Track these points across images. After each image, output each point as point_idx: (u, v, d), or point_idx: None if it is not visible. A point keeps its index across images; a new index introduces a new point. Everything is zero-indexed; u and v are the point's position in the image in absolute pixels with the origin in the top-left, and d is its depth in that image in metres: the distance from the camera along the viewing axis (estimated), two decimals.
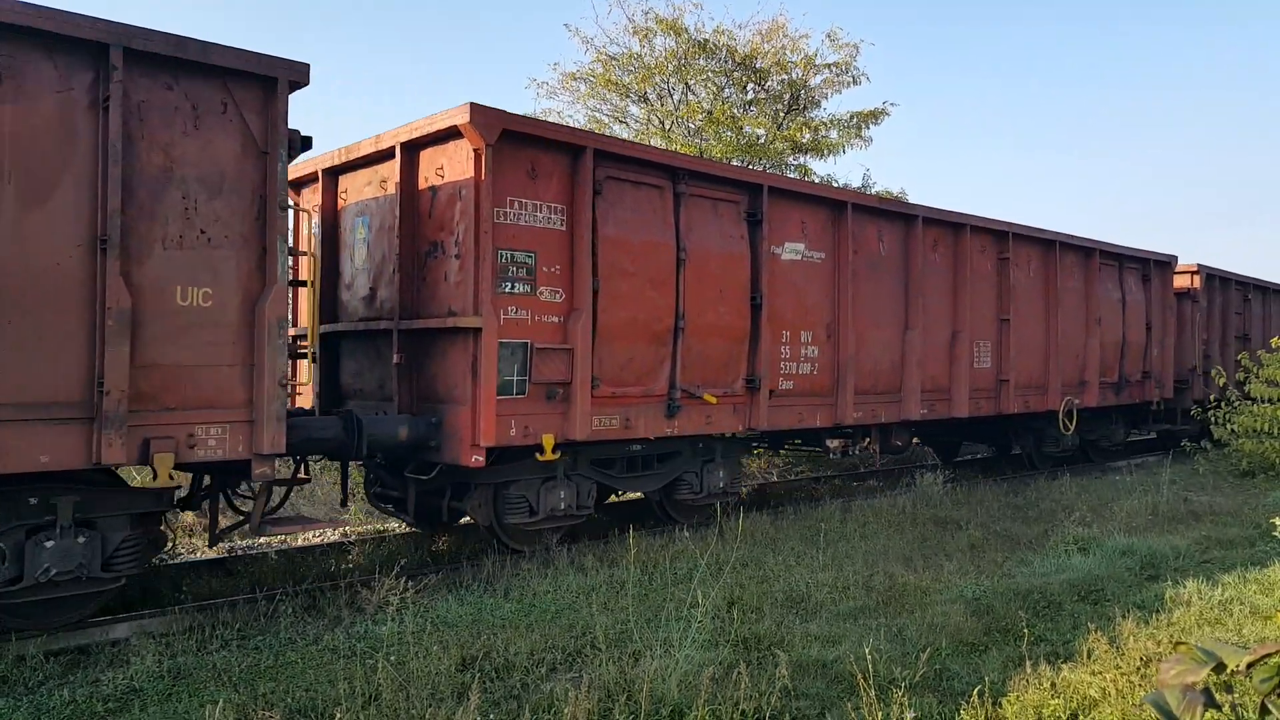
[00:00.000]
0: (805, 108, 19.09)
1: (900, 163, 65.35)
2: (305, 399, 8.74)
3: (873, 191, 18.93)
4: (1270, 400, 13.63)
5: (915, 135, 68.46)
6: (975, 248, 12.07)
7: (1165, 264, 16.25)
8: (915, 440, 13.66)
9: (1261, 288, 19.91)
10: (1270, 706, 1.20)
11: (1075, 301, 13.89)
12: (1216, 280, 18.00)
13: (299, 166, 8.75)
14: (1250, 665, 1.32)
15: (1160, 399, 15.78)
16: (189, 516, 9.98)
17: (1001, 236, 12.59)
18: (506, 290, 7.47)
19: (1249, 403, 14.14)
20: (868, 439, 11.18)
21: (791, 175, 17.54)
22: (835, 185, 10.27)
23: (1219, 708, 1.26)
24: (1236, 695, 1.32)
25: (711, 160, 9.85)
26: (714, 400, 8.89)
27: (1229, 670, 1.31)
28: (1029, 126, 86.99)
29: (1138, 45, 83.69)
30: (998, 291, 12.53)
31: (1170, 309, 16.15)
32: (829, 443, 11.09)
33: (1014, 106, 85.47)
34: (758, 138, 18.57)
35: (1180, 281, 17.03)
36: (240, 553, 8.53)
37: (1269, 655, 1.31)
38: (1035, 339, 13.10)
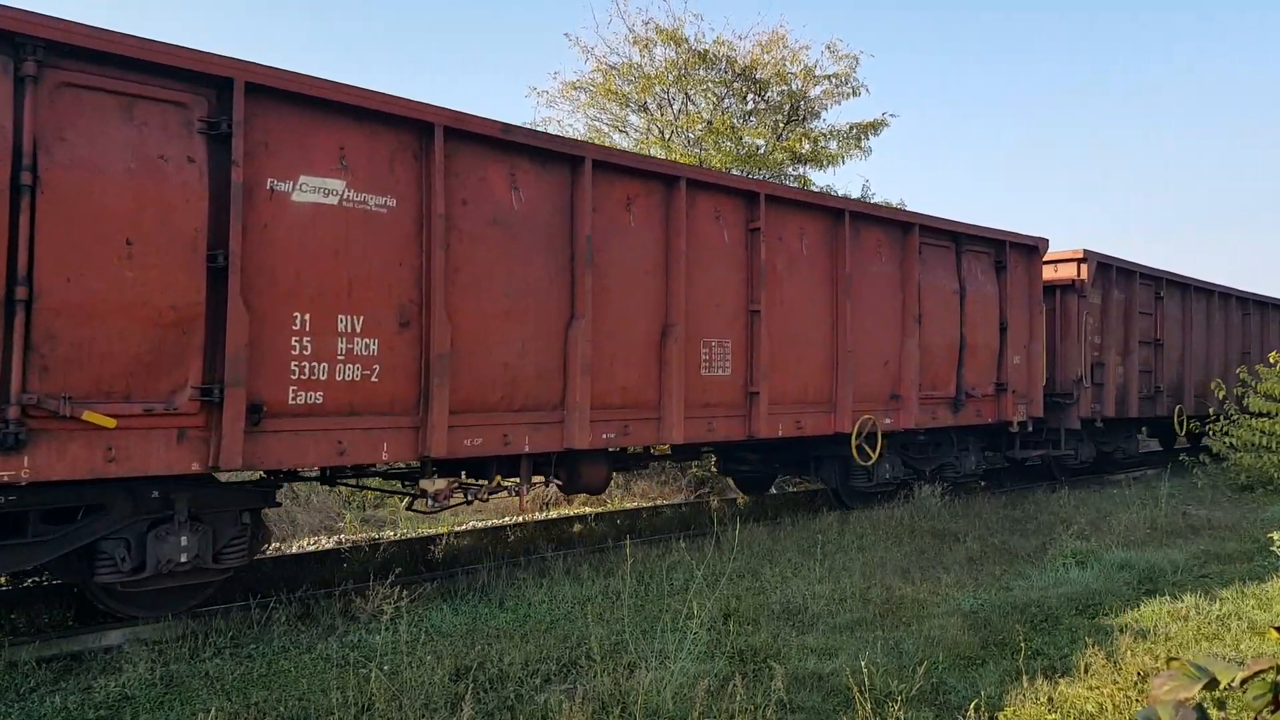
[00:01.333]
0: (805, 118, 19.13)
1: (901, 173, 65.50)
2: None
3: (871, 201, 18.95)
4: (1269, 414, 13.62)
5: (916, 145, 68.64)
6: (703, 213, 8.97)
7: (1029, 249, 13.09)
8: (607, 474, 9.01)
9: (1179, 284, 16.80)
10: None
11: (882, 292, 10.83)
12: (1114, 272, 14.91)
13: None
14: (1244, 681, 1.31)
15: (1027, 418, 12.91)
16: None
17: (750, 199, 9.38)
18: None
19: (1247, 416, 14.13)
20: (502, 477, 7.80)
21: (792, 185, 17.54)
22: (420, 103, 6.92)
23: None
24: (1230, 711, 1.31)
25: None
26: (109, 423, 5.48)
27: (1222, 686, 1.30)
28: (1030, 133, 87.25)
29: (1140, 49, 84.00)
30: (746, 274, 9.34)
31: (1038, 306, 13.11)
32: (424, 485, 7.45)
33: (1015, 115, 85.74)
34: (757, 148, 18.61)
35: (1064, 272, 14.28)
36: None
37: (1263, 671, 1.30)
38: (810, 338, 9.96)
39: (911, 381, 11.00)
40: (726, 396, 9.18)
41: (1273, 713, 1.26)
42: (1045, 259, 14.02)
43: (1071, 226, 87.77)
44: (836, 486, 11.46)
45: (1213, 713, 1.31)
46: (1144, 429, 18.28)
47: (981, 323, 12.20)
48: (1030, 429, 13.11)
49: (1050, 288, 14.07)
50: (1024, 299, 13.00)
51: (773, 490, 14.12)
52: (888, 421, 10.74)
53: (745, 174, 16.77)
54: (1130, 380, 15.21)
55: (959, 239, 11.97)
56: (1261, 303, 20.07)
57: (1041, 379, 13.14)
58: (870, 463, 10.61)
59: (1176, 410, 16.29)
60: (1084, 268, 14.23)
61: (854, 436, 10.35)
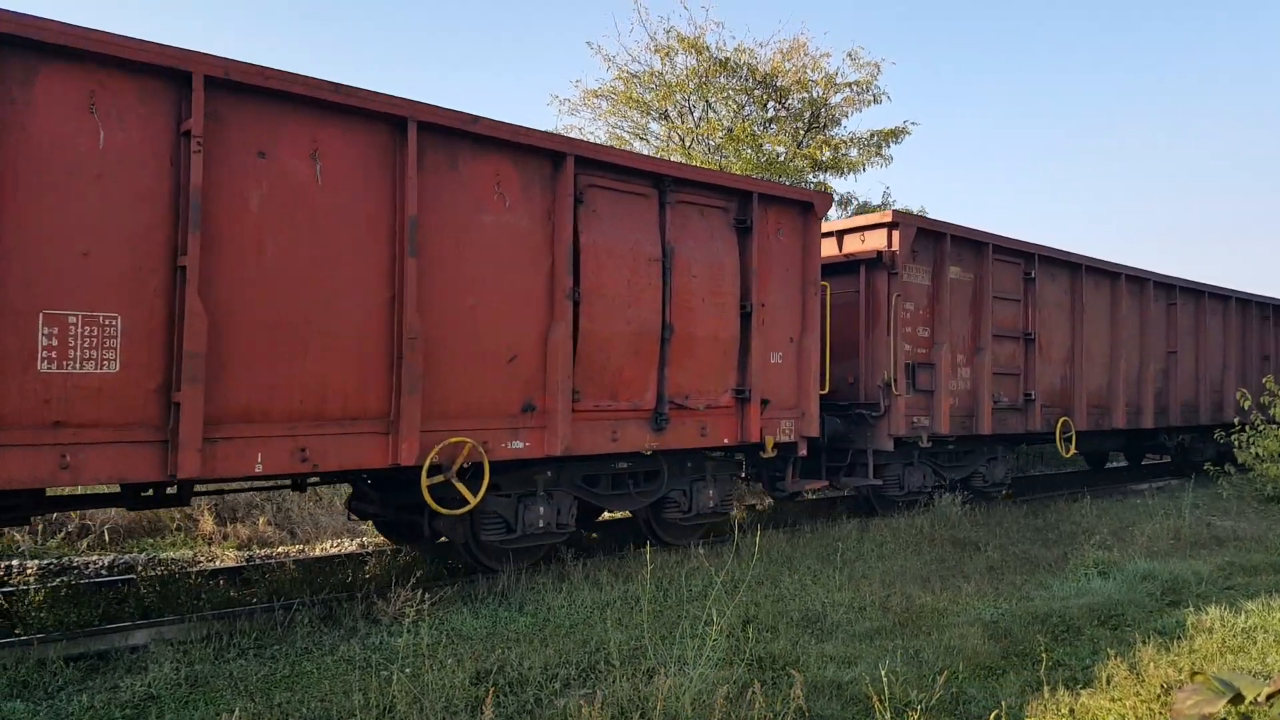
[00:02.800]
0: (825, 126, 19.12)
1: (924, 181, 65.24)
2: None
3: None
4: None
5: (940, 154, 68.33)
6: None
7: (799, 206, 9.74)
8: None
9: (1063, 262, 13.49)
10: None
11: (504, 253, 7.36)
12: (948, 243, 11.49)
13: None
14: (1270, 696, 1.31)
15: (797, 438, 9.68)
16: (208, 525, 10.07)
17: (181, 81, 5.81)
18: None
19: (1273, 426, 13.96)
20: None
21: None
22: None
23: None
24: None
25: None
26: None
27: (1247, 701, 1.31)
28: (1068, 141, 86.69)
29: (1166, 56, 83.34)
30: (161, 206, 5.79)
31: (814, 285, 9.82)
32: None
33: (1043, 123, 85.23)
34: (778, 155, 18.62)
35: (873, 242, 11.12)
36: (258, 562, 8.58)
37: None
38: (332, 313, 6.47)
39: (560, 386, 7.54)
40: (100, 408, 5.52)
41: None
42: (845, 226, 11.59)
43: (1115, 236, 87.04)
44: (466, 541, 7.85)
45: None
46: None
47: (705, 304, 8.72)
48: (804, 453, 9.84)
49: (853, 263, 11.17)
50: (791, 275, 9.67)
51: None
52: (518, 445, 7.43)
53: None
54: (981, 386, 11.88)
55: (663, 183, 8.43)
56: (1194, 291, 16.53)
57: (815, 384, 9.77)
58: (467, 508, 7.16)
59: (1060, 424, 13.14)
60: (896, 236, 10.88)
61: (427, 471, 6.88)
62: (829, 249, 11.47)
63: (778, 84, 18.65)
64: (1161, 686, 4.98)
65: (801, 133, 19.02)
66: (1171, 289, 15.85)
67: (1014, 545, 9.51)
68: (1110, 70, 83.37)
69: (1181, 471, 17.17)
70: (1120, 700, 4.77)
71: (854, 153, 18.89)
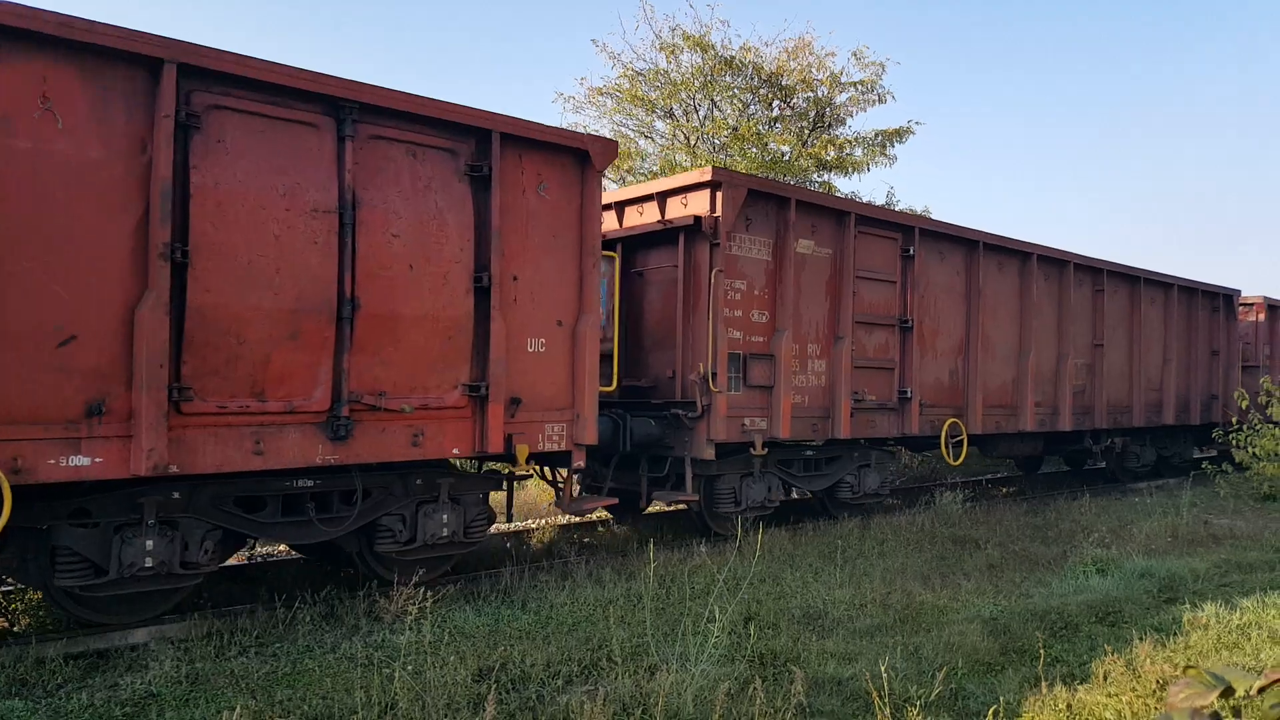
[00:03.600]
0: (830, 125, 19.16)
1: (928, 181, 65.21)
2: None
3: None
4: None
5: (946, 154, 68.30)
6: None
7: (572, 155, 7.76)
8: None
9: (952, 238, 11.57)
10: None
11: (51, 191, 5.37)
12: (792, 210, 9.57)
13: None
14: (1261, 690, 1.34)
15: (570, 445, 7.76)
16: None
17: None
18: None
19: (1271, 426, 13.99)
20: None
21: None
22: None
23: None
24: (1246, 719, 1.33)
25: None
26: None
27: (1239, 694, 1.33)
28: (1059, 143, 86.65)
29: (1174, 53, 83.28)
30: None
31: (593, 256, 7.88)
32: None
33: (1044, 121, 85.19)
34: (783, 154, 18.64)
35: (696, 207, 9.17)
36: (260, 560, 8.60)
37: (1279, 680, 1.33)
38: None
39: (149, 380, 5.55)
40: None
41: None
42: (666, 187, 9.46)
43: (1132, 241, 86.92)
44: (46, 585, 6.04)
45: None
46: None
47: (415, 274, 6.75)
48: (580, 463, 7.87)
49: (673, 232, 9.25)
50: (561, 243, 7.67)
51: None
52: (79, 462, 5.41)
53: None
54: (837, 383, 10.04)
55: (344, 110, 6.39)
56: (1126, 276, 14.80)
57: (594, 381, 7.83)
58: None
59: (948, 426, 11.34)
60: (720, 198, 8.92)
61: None
62: (651, 215, 9.66)
63: (783, 83, 18.67)
64: (1157, 682, 5.01)
65: (806, 132, 19.05)
66: (1098, 273, 14.10)
67: (1014, 543, 9.54)
68: (1127, 68, 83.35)
69: (1116, 479, 16.00)
70: (1117, 696, 4.80)
71: (858, 152, 18.93)
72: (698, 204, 9.17)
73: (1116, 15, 76.01)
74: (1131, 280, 14.95)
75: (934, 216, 15.63)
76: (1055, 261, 13.31)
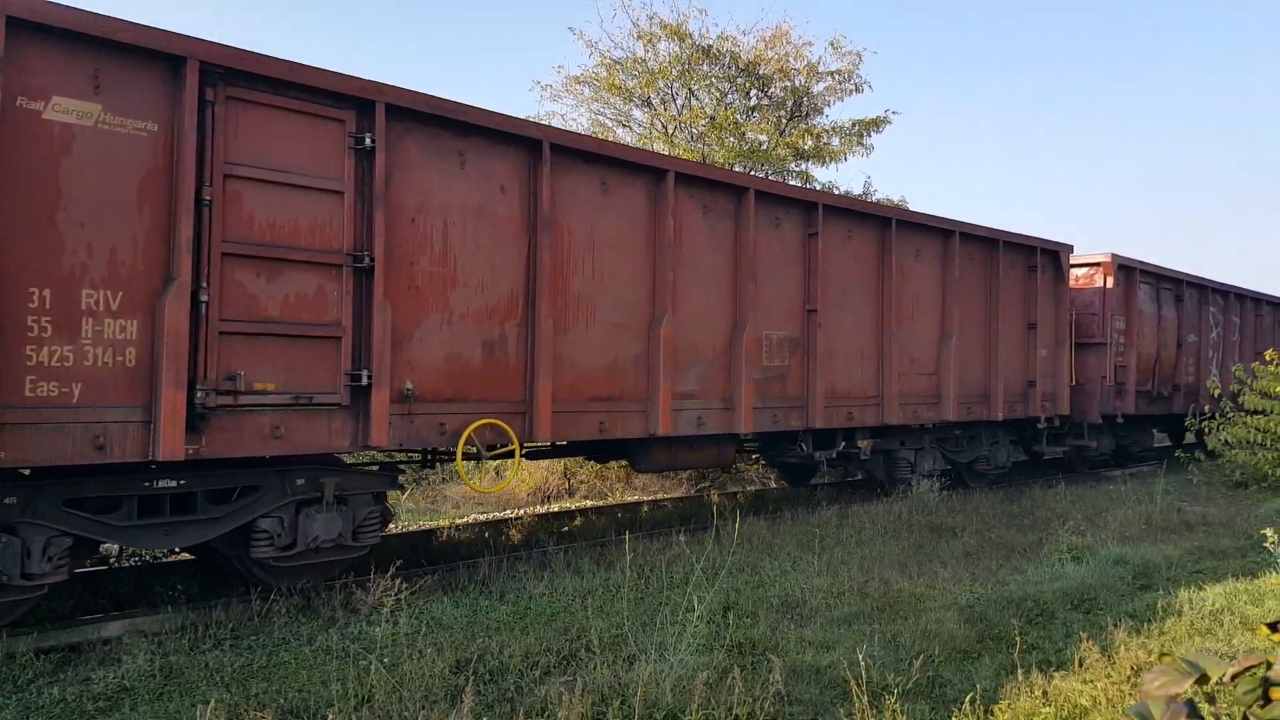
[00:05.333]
0: (808, 115, 19.15)
1: (906, 171, 65.48)
2: None
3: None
4: (1263, 412, 13.66)
5: (923, 144, 68.55)
6: None
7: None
8: None
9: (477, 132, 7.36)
10: (1252, 718, 1.21)
11: None
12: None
13: None
14: (1234, 676, 1.34)
15: None
16: None
17: None
18: None
19: (1242, 414, 14.17)
20: None
21: (793, 183, 17.54)
22: None
23: (1202, 719, 1.28)
24: (1221, 706, 1.33)
25: None
26: None
27: (1213, 681, 1.33)
28: (1033, 129, 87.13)
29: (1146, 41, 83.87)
30: None
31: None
32: None
33: (1019, 109, 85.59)
34: (760, 144, 18.63)
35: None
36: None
37: (1253, 667, 1.33)
38: None
39: None
40: None
41: (1262, 707, 1.29)
42: None
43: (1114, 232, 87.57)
44: None
45: (1203, 707, 1.34)
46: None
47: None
48: None
49: None
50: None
51: (773, 484, 14.13)
52: None
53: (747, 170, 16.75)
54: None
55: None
56: (864, 217, 11.07)
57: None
58: None
59: (466, 436, 7.26)
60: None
61: None
62: None
63: (760, 72, 18.64)
64: (1132, 668, 5.06)
65: (784, 121, 19.04)
66: (809, 209, 10.17)
67: (990, 531, 9.61)
68: (1103, 62, 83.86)
69: (884, 491, 11.59)
70: (1092, 682, 4.84)
71: (835, 142, 18.94)
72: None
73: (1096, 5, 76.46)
74: (879, 223, 11.11)
75: (910, 208, 15.46)
76: (719, 187, 9.33)
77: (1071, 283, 14.63)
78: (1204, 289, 17.94)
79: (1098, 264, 15.07)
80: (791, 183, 17.04)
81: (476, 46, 60.66)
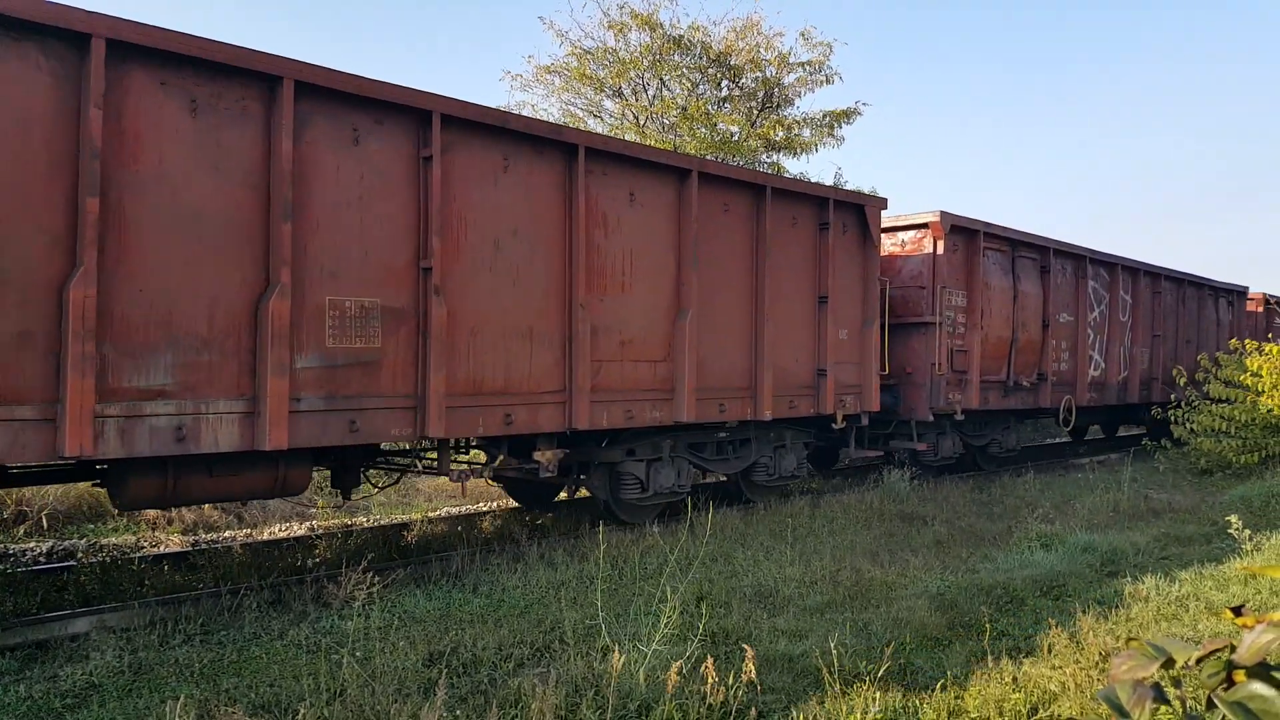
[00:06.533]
0: (779, 106, 19.21)
1: (877, 162, 65.81)
2: None
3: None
4: (1228, 400, 13.90)
5: (893, 136, 68.88)
6: None
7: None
8: None
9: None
10: (1216, 700, 1.23)
11: None
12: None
13: None
14: (1200, 660, 1.35)
15: None
16: (152, 510, 9.88)
17: None
18: None
19: (1207, 402, 14.40)
20: None
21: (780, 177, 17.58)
22: None
23: (1168, 702, 1.29)
24: (1186, 689, 1.35)
25: None
26: None
27: (1179, 665, 1.34)
28: (1008, 121, 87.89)
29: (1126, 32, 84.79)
30: None
31: None
32: None
33: (993, 102, 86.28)
34: (731, 135, 18.64)
35: None
36: (204, 546, 8.43)
37: (1217, 650, 1.34)
38: None
39: None
40: None
41: (1226, 689, 1.30)
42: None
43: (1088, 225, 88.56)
44: None
45: (1170, 691, 1.35)
46: None
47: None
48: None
49: None
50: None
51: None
52: None
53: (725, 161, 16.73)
54: None
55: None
56: (543, 143, 7.86)
57: None
58: None
59: None
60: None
61: None
62: None
63: (731, 62, 18.66)
64: (1100, 654, 5.13)
65: (755, 112, 19.07)
66: (421, 121, 7.03)
67: (960, 519, 9.71)
68: (1080, 59, 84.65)
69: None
70: (1061, 668, 4.91)
71: (806, 133, 19.01)
72: None
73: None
74: (562, 153, 8.01)
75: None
76: (251, 77, 6.19)
77: (896, 249, 12.43)
78: (1080, 259, 14.92)
79: (924, 225, 12.24)
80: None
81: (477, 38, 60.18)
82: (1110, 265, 15.79)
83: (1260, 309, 22.25)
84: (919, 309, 12.15)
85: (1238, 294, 20.71)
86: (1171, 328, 17.58)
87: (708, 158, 9.14)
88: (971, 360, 12.48)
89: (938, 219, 12.04)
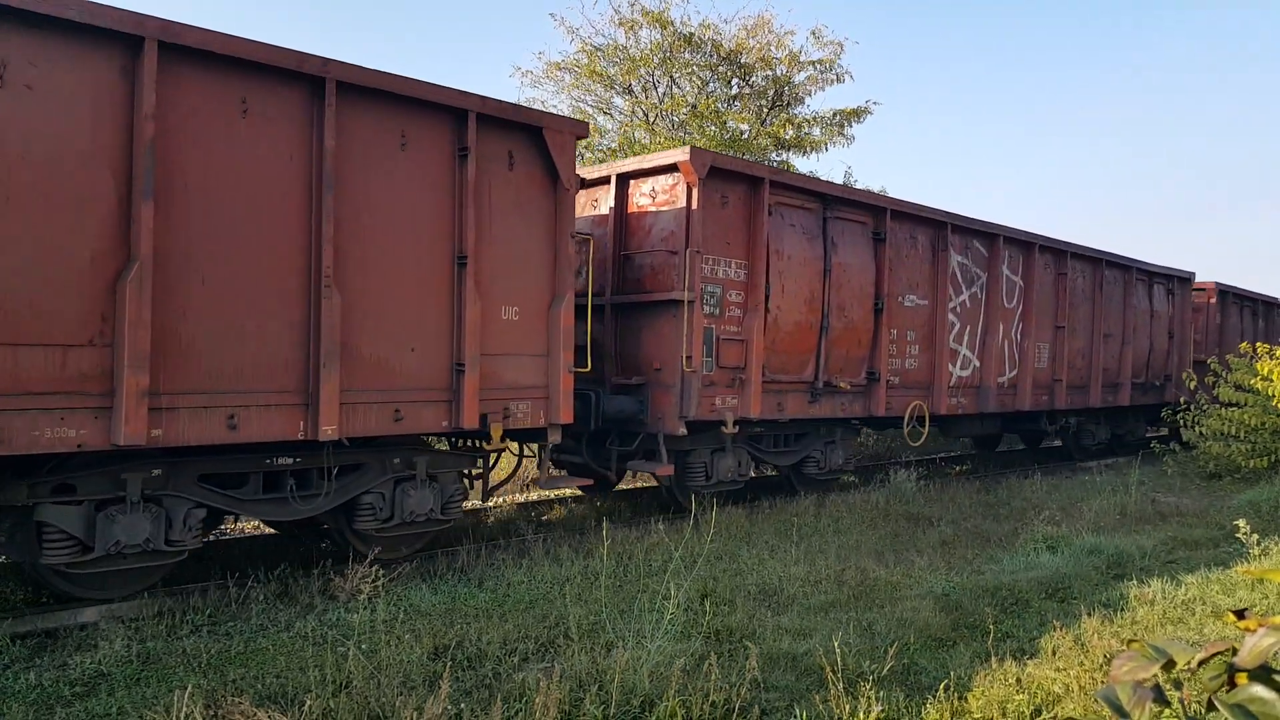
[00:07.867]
0: (789, 104, 19.18)
1: (888, 161, 65.65)
2: None
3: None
4: (1237, 404, 13.84)
5: (904, 135, 68.72)
6: None
7: None
8: None
9: None
10: (1217, 703, 1.24)
11: None
12: None
13: None
14: (1201, 662, 1.36)
15: None
16: None
17: None
18: None
19: (1217, 406, 14.33)
20: None
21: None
22: None
23: (1168, 704, 1.30)
24: (1187, 691, 1.36)
25: None
26: None
27: (1180, 667, 1.35)
28: (1017, 121, 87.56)
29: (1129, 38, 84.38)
30: None
31: None
32: None
33: (1001, 101, 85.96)
34: (741, 133, 18.63)
35: None
36: (213, 537, 8.47)
37: (1219, 653, 1.35)
38: None
39: None
40: None
41: (1227, 692, 1.31)
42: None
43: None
44: None
45: (1170, 692, 1.36)
46: None
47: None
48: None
49: None
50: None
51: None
52: None
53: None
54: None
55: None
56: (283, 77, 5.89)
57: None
58: None
59: None
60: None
61: None
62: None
63: (742, 61, 18.64)
64: (1104, 656, 5.12)
65: (765, 110, 19.05)
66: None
67: (966, 520, 9.69)
68: (1085, 57, 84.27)
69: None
70: (1065, 670, 4.90)
71: (816, 131, 18.98)
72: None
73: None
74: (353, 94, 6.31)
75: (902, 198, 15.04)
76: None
77: (647, 201, 9.34)
78: (939, 227, 11.62)
79: (672, 167, 9.06)
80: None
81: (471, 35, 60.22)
82: (988, 237, 12.47)
83: (1213, 300, 18.61)
84: (669, 283, 9.04)
85: (1179, 280, 17.29)
86: (1083, 317, 14.49)
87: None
88: (751, 353, 9.42)
89: (687, 158, 8.82)
